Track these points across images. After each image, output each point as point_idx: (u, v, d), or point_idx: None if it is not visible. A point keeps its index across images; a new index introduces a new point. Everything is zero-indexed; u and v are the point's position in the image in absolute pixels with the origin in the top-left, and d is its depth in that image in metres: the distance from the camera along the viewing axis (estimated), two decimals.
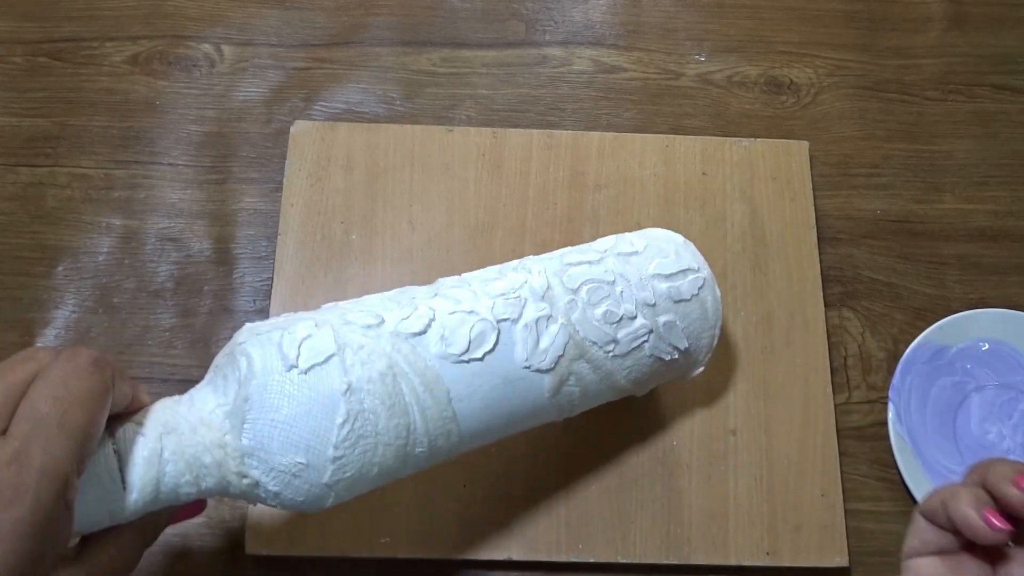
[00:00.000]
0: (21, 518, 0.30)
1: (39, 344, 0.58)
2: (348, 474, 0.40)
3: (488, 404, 0.43)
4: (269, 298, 0.59)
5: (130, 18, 0.68)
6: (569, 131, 0.65)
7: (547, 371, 0.45)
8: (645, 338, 0.47)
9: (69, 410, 0.32)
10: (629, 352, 0.47)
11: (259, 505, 0.43)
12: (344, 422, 0.39)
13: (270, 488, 0.39)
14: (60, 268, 0.60)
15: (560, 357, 0.45)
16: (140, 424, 0.37)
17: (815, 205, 0.63)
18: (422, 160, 0.62)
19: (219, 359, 0.41)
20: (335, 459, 0.39)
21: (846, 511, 0.55)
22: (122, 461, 0.36)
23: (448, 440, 0.43)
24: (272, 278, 0.59)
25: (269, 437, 0.38)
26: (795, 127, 0.67)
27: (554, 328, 0.45)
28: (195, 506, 0.42)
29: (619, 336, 0.46)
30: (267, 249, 0.61)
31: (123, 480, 0.36)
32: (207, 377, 0.41)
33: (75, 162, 0.63)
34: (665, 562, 0.53)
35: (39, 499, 0.30)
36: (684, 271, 0.49)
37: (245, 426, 0.38)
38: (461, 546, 0.53)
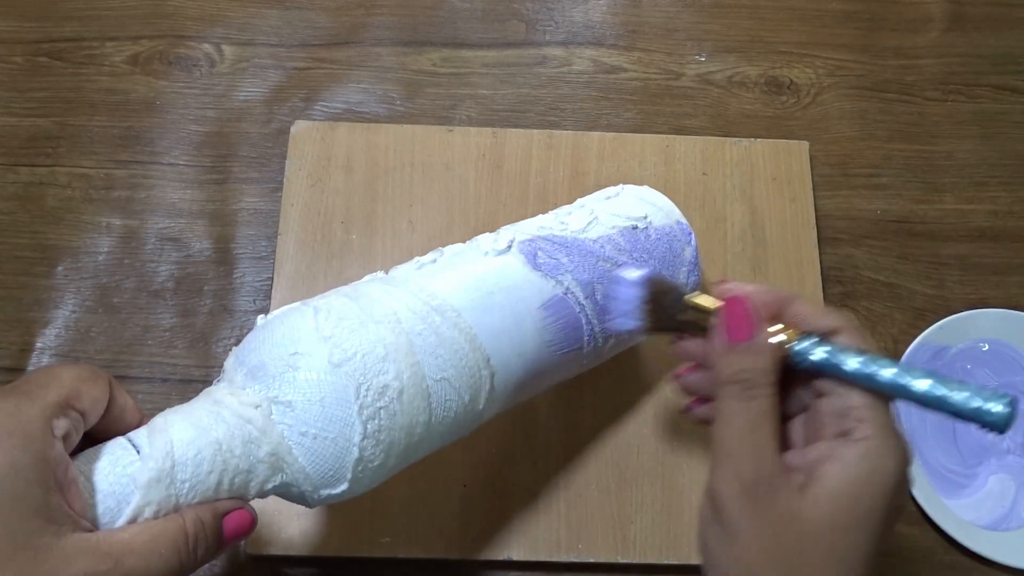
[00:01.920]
0: None
1: (39, 344, 0.58)
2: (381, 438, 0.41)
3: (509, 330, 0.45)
4: (269, 298, 0.59)
5: (130, 18, 0.68)
6: (569, 131, 0.65)
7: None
8: (594, 216, 0.51)
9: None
10: (591, 223, 0.50)
11: (265, 503, 0.43)
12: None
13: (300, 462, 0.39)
14: (60, 268, 0.60)
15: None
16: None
17: (815, 205, 0.63)
18: (422, 160, 0.62)
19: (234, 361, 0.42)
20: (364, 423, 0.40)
21: None
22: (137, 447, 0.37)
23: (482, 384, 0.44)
24: (272, 278, 0.59)
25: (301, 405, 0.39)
26: (795, 127, 0.67)
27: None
28: (241, 519, 0.39)
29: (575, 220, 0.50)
30: (267, 249, 0.61)
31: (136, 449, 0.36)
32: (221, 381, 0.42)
33: (75, 162, 0.63)
34: (665, 562, 0.53)
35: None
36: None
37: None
38: (461, 546, 0.53)
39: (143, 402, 0.57)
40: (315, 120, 0.64)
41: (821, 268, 0.61)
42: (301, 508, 0.48)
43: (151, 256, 0.61)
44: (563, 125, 0.66)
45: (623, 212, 0.51)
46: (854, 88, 0.69)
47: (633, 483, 0.55)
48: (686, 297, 0.43)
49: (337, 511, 0.52)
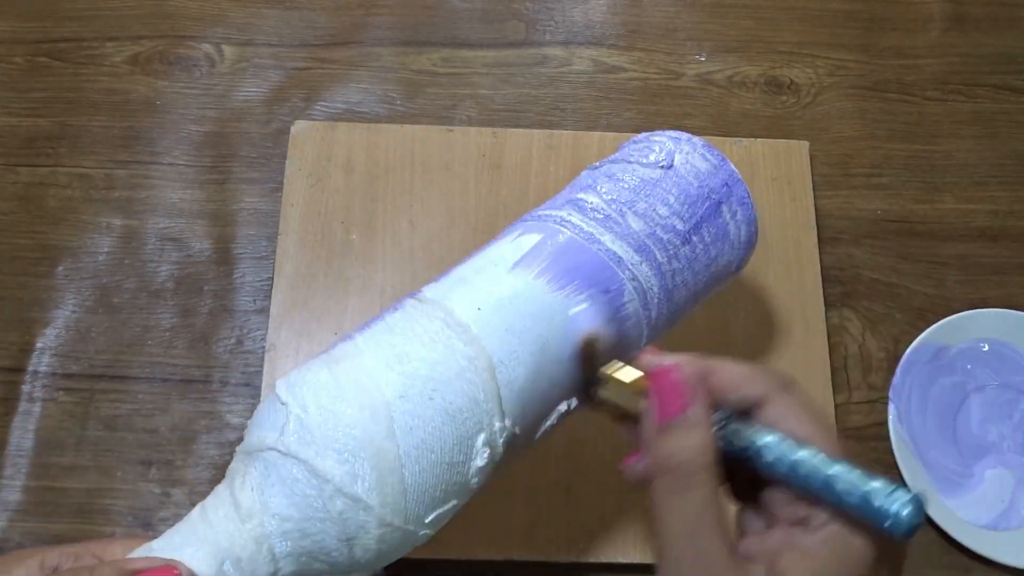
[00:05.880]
0: None
1: (39, 344, 0.58)
2: None
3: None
4: (269, 298, 0.59)
5: (131, 18, 0.68)
6: (569, 131, 0.65)
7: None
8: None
9: None
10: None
11: None
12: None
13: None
14: (60, 268, 0.60)
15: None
16: None
17: (815, 205, 0.63)
18: (422, 160, 0.62)
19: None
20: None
21: None
22: None
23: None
24: (272, 278, 0.59)
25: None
26: (795, 127, 0.67)
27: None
28: None
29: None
30: (267, 249, 0.61)
31: None
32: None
33: (75, 162, 0.63)
34: None
35: None
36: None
37: None
38: (461, 546, 0.53)
39: (143, 402, 0.57)
40: (315, 120, 0.64)
41: (821, 268, 0.61)
42: None
43: (151, 256, 0.61)
44: (563, 125, 0.66)
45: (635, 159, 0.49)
46: (854, 88, 0.69)
47: None
48: (601, 370, 0.37)
49: None
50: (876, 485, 0.30)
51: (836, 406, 0.58)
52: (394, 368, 0.38)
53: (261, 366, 0.57)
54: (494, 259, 0.43)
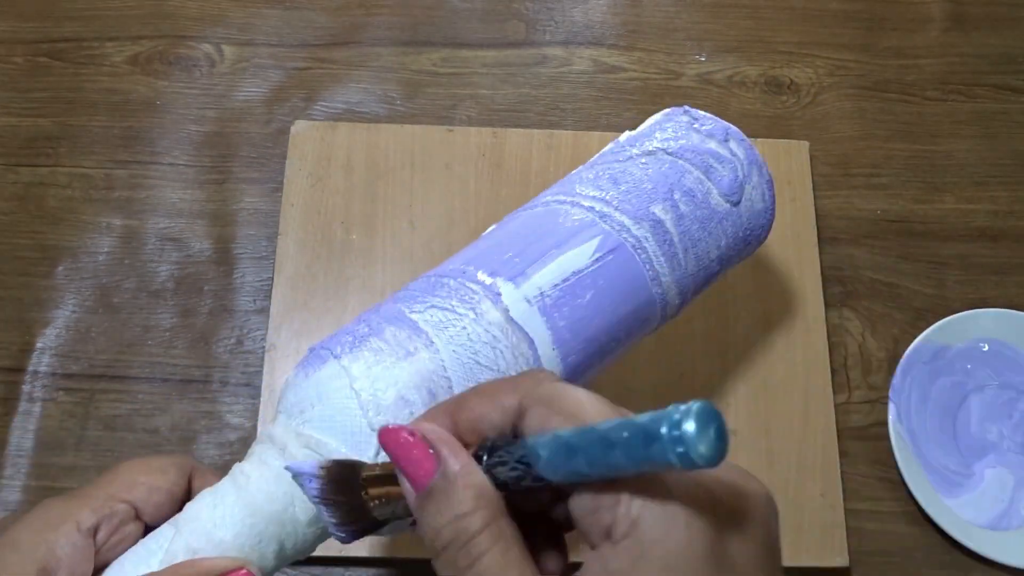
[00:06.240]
0: None
1: (39, 344, 0.58)
2: None
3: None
4: (269, 298, 0.59)
5: (131, 18, 0.68)
6: (569, 131, 0.65)
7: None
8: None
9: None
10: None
11: None
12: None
13: None
14: (60, 268, 0.60)
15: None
16: None
17: (815, 205, 0.63)
18: (422, 160, 0.62)
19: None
20: None
21: (846, 511, 0.55)
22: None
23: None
24: (272, 278, 0.59)
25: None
26: (795, 127, 0.67)
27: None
28: None
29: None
30: (267, 249, 0.61)
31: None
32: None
33: (75, 162, 0.63)
34: None
35: None
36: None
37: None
38: None
39: (143, 402, 0.57)
40: (315, 120, 0.64)
41: (821, 268, 0.61)
42: None
43: (151, 256, 0.61)
44: (563, 125, 0.66)
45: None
46: (854, 88, 0.69)
47: None
48: (364, 473, 0.30)
49: None
50: (650, 415, 0.23)
51: (836, 406, 0.58)
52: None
53: (261, 366, 0.57)
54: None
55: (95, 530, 0.34)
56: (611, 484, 0.25)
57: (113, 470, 0.36)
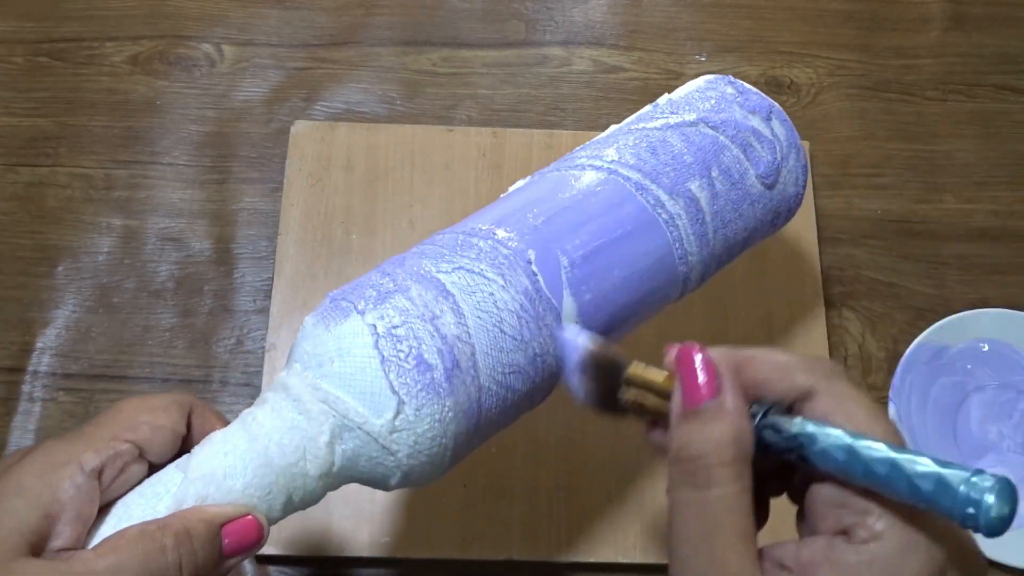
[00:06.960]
0: None
1: (39, 344, 0.58)
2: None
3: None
4: (269, 298, 0.59)
5: (130, 18, 0.68)
6: (569, 131, 0.65)
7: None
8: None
9: None
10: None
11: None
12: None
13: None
14: (60, 268, 0.60)
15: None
16: None
17: (815, 205, 0.63)
18: (422, 160, 0.62)
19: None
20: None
21: None
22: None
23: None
24: (272, 278, 0.59)
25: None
26: (795, 127, 0.67)
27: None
28: (245, 529, 0.34)
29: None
30: (267, 249, 0.61)
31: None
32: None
33: (75, 162, 0.63)
34: (665, 562, 0.53)
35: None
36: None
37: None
38: (461, 546, 0.53)
39: None
40: (315, 120, 0.64)
41: (821, 268, 0.61)
42: None
43: (151, 256, 0.61)
44: (563, 125, 0.66)
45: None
46: (854, 88, 0.69)
47: (633, 483, 0.55)
48: (628, 371, 0.34)
49: (337, 510, 0.52)
50: (955, 468, 0.26)
51: None
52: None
53: (261, 366, 0.57)
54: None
55: (99, 471, 0.33)
56: (865, 490, 0.28)
57: (114, 409, 0.35)
